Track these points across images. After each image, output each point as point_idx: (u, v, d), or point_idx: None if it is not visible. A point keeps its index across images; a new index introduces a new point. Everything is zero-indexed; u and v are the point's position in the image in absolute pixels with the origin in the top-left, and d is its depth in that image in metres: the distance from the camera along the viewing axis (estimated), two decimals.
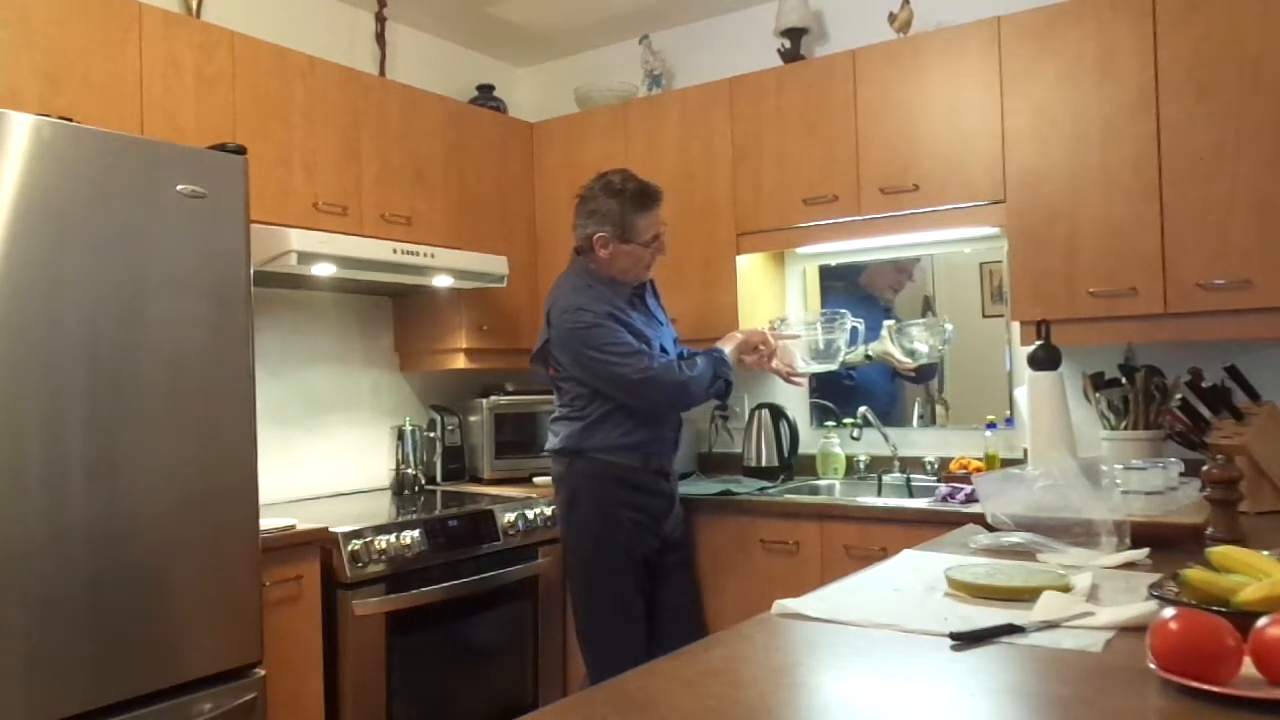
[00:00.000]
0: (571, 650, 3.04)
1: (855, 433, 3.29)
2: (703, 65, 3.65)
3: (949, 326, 3.03)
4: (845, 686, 1.11)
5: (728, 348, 2.73)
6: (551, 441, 2.68)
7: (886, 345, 3.03)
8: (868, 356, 3.06)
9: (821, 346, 2.95)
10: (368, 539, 2.56)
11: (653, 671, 1.15)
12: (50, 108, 2.21)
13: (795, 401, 3.44)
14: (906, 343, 3.03)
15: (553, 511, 2.96)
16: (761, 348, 2.80)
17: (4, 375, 1.83)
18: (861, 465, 3.30)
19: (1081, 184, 2.64)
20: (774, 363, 2.83)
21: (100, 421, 1.96)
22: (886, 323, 3.09)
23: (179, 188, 2.11)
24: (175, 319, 2.10)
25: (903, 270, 3.34)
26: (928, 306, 3.26)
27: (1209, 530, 1.70)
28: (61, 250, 1.92)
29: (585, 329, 2.54)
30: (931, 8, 3.13)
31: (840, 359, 2.97)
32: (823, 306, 3.41)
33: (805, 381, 3.25)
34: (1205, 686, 0.96)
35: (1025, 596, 1.38)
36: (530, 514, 3.01)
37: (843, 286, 3.42)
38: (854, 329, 2.98)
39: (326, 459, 3.30)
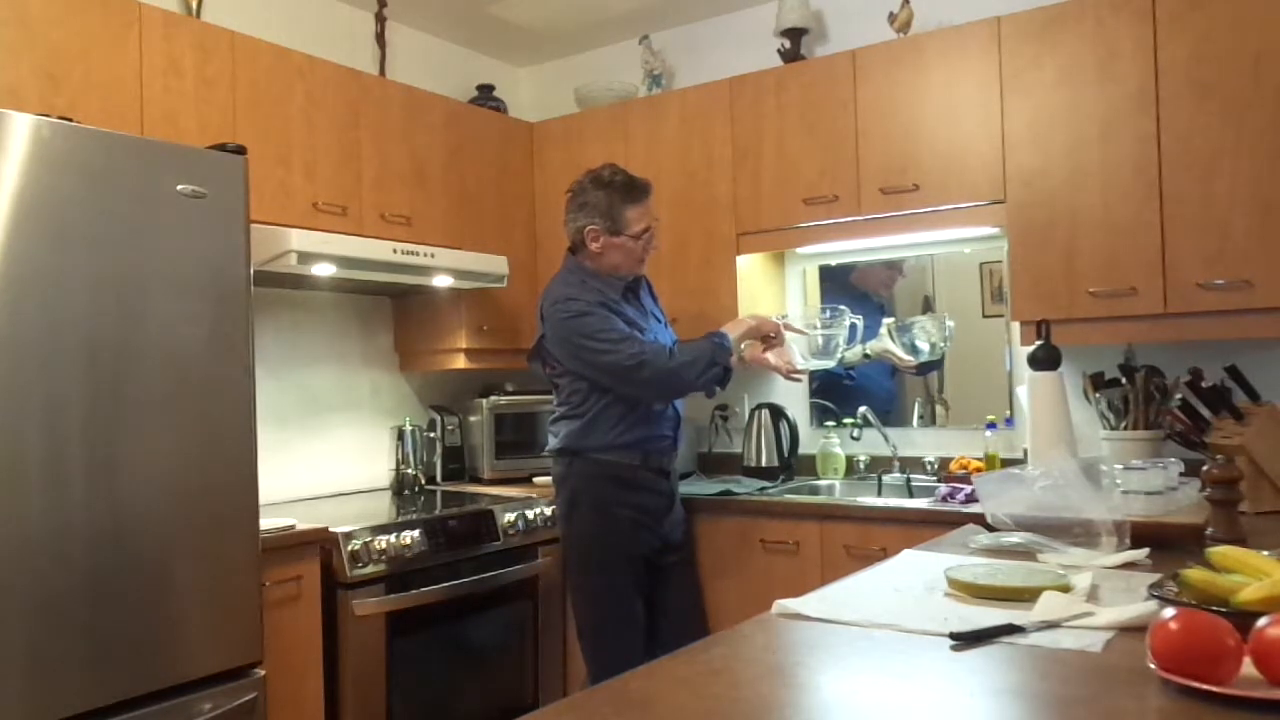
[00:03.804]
0: (571, 650, 3.04)
1: (855, 433, 3.29)
2: (703, 65, 3.65)
3: (951, 323, 3.03)
4: (845, 686, 1.11)
5: (735, 333, 2.67)
6: (551, 442, 2.68)
7: (886, 343, 3.02)
8: (866, 355, 3.06)
9: (821, 343, 2.95)
10: (368, 539, 2.56)
11: (653, 671, 1.16)
12: (50, 108, 2.21)
13: (795, 401, 3.44)
14: (908, 340, 3.02)
15: (553, 512, 2.96)
16: (772, 337, 2.76)
17: (4, 375, 1.82)
18: (861, 465, 3.30)
19: (1081, 184, 2.64)
20: (774, 359, 2.82)
21: (100, 421, 1.96)
22: (886, 320, 3.08)
23: (179, 188, 2.11)
24: (175, 319, 2.09)
25: (894, 267, 3.34)
26: (928, 306, 3.26)
27: (1209, 530, 1.70)
28: (61, 250, 1.92)
29: (575, 317, 2.54)
30: (931, 8, 3.13)
31: (839, 355, 2.97)
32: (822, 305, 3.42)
33: (805, 378, 3.25)
34: (1205, 686, 0.96)
35: (1025, 596, 1.38)
36: (530, 514, 3.00)
37: (841, 287, 3.42)
38: (853, 325, 2.98)
39: (326, 459, 3.30)
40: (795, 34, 3.33)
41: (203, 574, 2.12)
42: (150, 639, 2.01)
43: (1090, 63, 2.62)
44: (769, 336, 2.76)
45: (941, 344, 3.03)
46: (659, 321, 2.80)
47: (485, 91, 3.74)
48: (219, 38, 2.66)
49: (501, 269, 3.28)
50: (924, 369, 3.14)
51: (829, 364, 2.98)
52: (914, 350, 3.02)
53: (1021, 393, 2.59)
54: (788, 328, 2.85)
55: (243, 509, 2.21)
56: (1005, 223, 2.78)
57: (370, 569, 2.55)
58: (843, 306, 3.01)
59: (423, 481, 3.42)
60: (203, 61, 2.61)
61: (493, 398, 3.55)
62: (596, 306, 2.55)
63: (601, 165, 2.72)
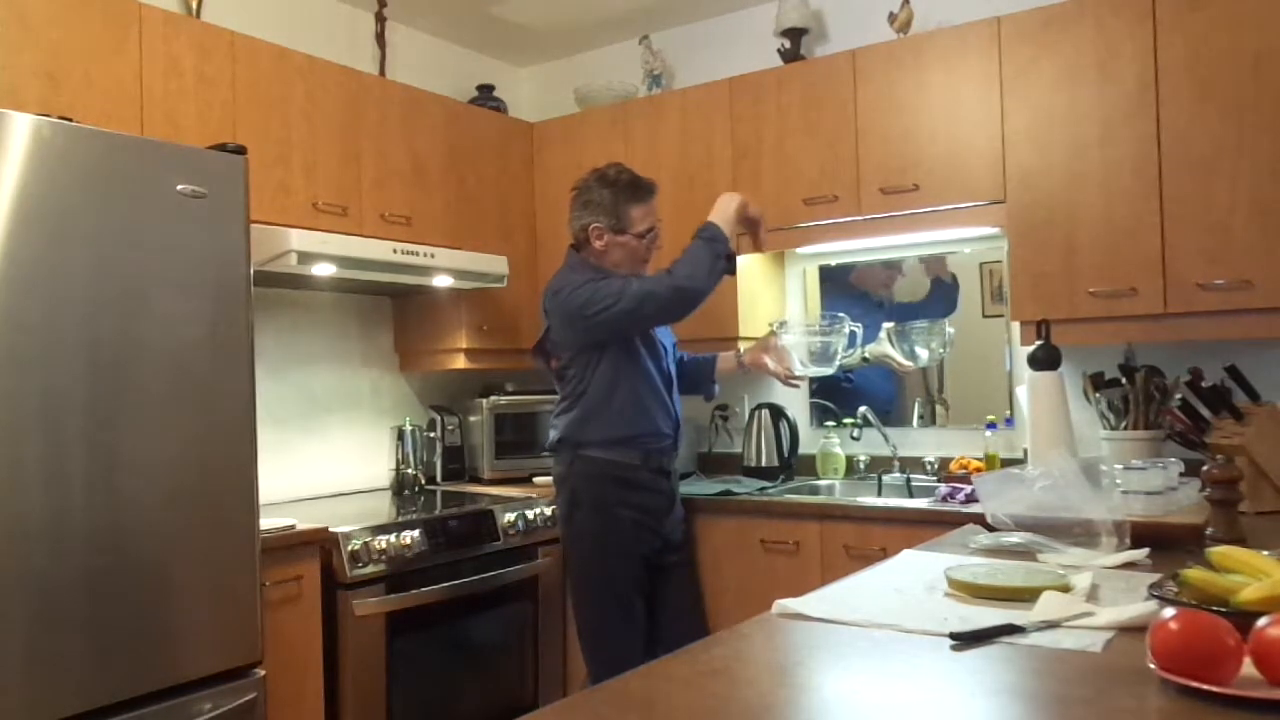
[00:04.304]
0: (571, 650, 3.04)
1: (855, 433, 3.29)
2: (703, 65, 3.65)
3: (950, 330, 3.03)
4: (845, 686, 1.11)
5: (726, 219, 2.58)
6: (552, 436, 2.68)
7: (885, 348, 3.03)
8: (865, 359, 3.07)
9: (819, 349, 2.95)
10: (368, 539, 2.56)
11: (653, 671, 1.16)
12: (50, 108, 2.21)
13: (795, 402, 3.44)
14: (906, 345, 3.03)
15: (553, 511, 2.96)
16: (756, 220, 2.68)
17: (4, 375, 1.82)
18: (861, 465, 3.30)
19: (1081, 184, 2.64)
20: (772, 365, 2.82)
21: (100, 421, 1.96)
22: (886, 325, 3.08)
23: (179, 188, 2.11)
24: (175, 319, 2.09)
25: (893, 266, 3.34)
26: None
27: (1209, 530, 1.70)
28: (61, 250, 1.92)
29: (573, 292, 2.54)
30: (931, 8, 3.13)
31: (838, 362, 2.97)
32: (822, 307, 3.42)
33: (803, 384, 3.25)
34: (1205, 686, 0.96)
35: (1025, 596, 1.38)
36: (530, 514, 3.00)
37: (841, 287, 3.42)
38: (852, 333, 2.98)
39: (326, 459, 3.30)
40: (795, 34, 3.33)
41: (203, 574, 2.12)
42: (150, 639, 2.01)
43: (1090, 63, 2.62)
44: (754, 220, 2.68)
45: (940, 351, 3.04)
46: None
47: (485, 91, 3.74)
48: (219, 38, 2.66)
49: (501, 269, 3.28)
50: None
51: (827, 371, 2.98)
52: (913, 356, 3.03)
53: (1021, 393, 2.59)
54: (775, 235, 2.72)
55: (243, 509, 2.21)
56: (1005, 223, 2.78)
57: (370, 569, 2.55)
58: (842, 314, 3.01)
59: (423, 481, 3.42)
60: (203, 61, 2.61)
61: (493, 398, 3.55)
62: (593, 279, 2.54)
63: (607, 164, 2.72)
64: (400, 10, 3.53)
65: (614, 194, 2.62)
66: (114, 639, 1.95)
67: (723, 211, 2.63)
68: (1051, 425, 2.35)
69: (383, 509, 3.01)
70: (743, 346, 2.90)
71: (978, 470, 2.94)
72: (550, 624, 3.09)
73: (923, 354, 3.03)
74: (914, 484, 3.09)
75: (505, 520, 2.93)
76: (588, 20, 3.73)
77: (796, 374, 2.88)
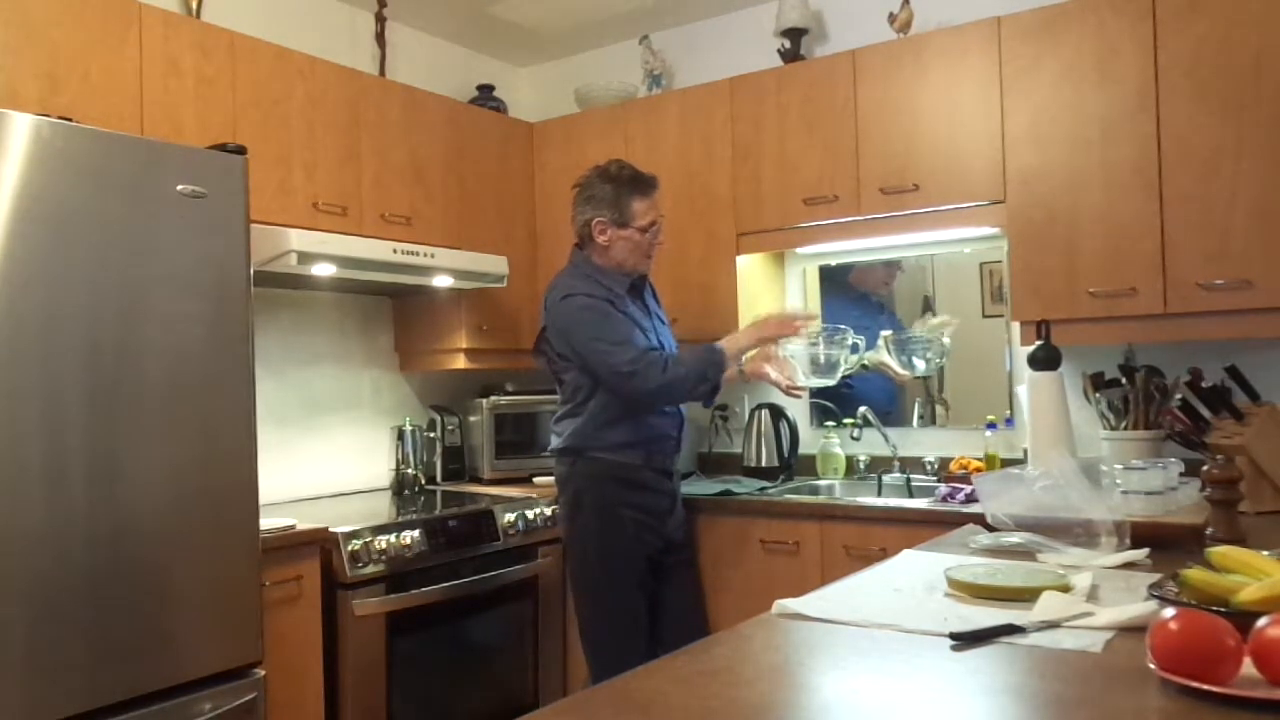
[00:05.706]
0: (571, 650, 3.04)
1: (855, 433, 3.29)
2: (703, 65, 3.65)
3: (947, 340, 3.04)
4: (845, 686, 1.11)
5: (734, 347, 2.64)
6: (554, 441, 2.67)
7: (883, 356, 3.04)
8: (864, 366, 3.07)
9: (822, 360, 2.95)
10: (368, 539, 2.56)
11: (653, 671, 1.16)
12: (50, 108, 2.21)
13: (795, 402, 3.43)
14: (904, 355, 3.04)
15: (553, 511, 2.96)
16: (779, 342, 2.74)
17: (4, 375, 1.82)
18: (861, 465, 3.30)
19: (1081, 184, 2.64)
20: (774, 375, 2.81)
21: (100, 422, 1.96)
22: (884, 333, 3.09)
23: (179, 188, 2.11)
24: (175, 319, 2.09)
25: (892, 265, 3.34)
26: (927, 306, 3.27)
27: (1209, 530, 1.70)
28: (61, 250, 1.92)
29: (577, 310, 2.54)
30: (931, 8, 3.13)
31: (840, 373, 2.97)
32: (822, 307, 3.42)
33: (805, 394, 3.25)
34: (1205, 686, 0.96)
35: (1025, 596, 1.39)
36: (530, 514, 3.00)
37: (841, 287, 3.42)
38: (854, 345, 2.97)
39: (326, 459, 3.30)
40: (795, 34, 3.33)
41: (203, 574, 2.12)
42: (150, 639, 2.01)
43: (1090, 63, 2.62)
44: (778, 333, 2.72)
45: (937, 360, 3.05)
46: (661, 323, 2.79)
47: (485, 91, 3.74)
48: (219, 38, 2.66)
49: (501, 269, 3.28)
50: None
51: (829, 381, 2.97)
52: (910, 365, 3.04)
53: (1021, 393, 2.59)
54: (800, 317, 2.78)
55: (243, 509, 2.21)
56: (1005, 223, 2.78)
57: (370, 569, 2.55)
58: (844, 326, 3.00)
59: (423, 481, 3.42)
60: (203, 61, 2.61)
61: (493, 398, 3.55)
62: (600, 301, 2.55)
63: (608, 161, 2.73)
64: (400, 10, 3.53)
65: (616, 188, 2.63)
66: (114, 639, 1.95)
67: (738, 339, 2.68)
68: (1051, 425, 2.35)
69: (383, 509, 3.01)
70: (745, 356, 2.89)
71: (978, 470, 2.94)
72: (550, 624, 3.09)
73: (919, 364, 3.05)
74: (914, 484, 3.09)
75: (505, 520, 2.93)
76: (588, 20, 3.73)
77: (799, 385, 2.88)
